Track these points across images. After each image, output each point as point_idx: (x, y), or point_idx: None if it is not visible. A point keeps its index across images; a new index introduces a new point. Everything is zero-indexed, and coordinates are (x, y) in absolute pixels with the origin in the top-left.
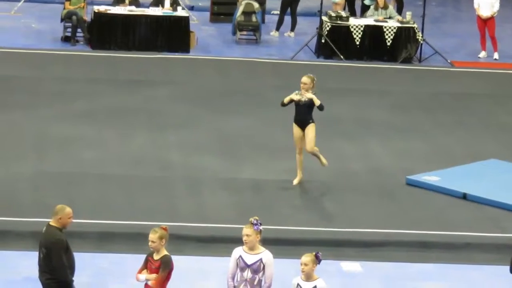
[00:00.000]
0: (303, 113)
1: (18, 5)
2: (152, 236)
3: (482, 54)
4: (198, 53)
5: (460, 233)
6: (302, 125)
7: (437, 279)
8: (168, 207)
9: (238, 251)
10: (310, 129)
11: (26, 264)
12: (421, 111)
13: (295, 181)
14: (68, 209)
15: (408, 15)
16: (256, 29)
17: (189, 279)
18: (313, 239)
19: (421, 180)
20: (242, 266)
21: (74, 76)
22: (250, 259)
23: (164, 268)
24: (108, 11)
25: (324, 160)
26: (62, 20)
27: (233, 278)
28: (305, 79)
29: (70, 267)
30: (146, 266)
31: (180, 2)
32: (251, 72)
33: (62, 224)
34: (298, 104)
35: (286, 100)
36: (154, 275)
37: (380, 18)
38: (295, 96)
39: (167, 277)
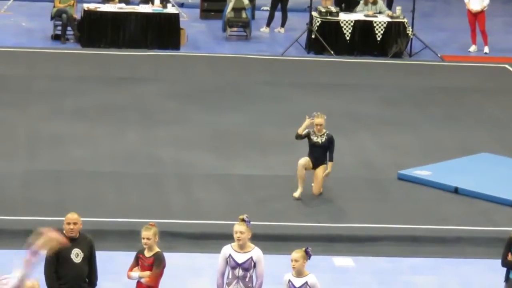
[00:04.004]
0: (319, 154)
1: (8, 4)
2: (147, 233)
3: (473, 48)
4: (188, 50)
5: (452, 227)
6: (315, 164)
7: (429, 273)
8: (159, 204)
9: (227, 249)
10: (321, 170)
11: (17, 262)
12: (412, 105)
13: (296, 194)
14: (68, 215)
15: (398, 9)
16: (246, 25)
17: (180, 276)
18: (305, 234)
19: (413, 175)
20: (233, 265)
21: (64, 74)
22: (240, 258)
23: (159, 265)
24: (98, 9)
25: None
26: (52, 18)
27: (222, 276)
28: (320, 120)
29: (60, 277)
30: (137, 263)
31: None
32: (242, 68)
33: (64, 230)
34: (314, 145)
35: (301, 131)
36: (148, 272)
37: (370, 13)
38: (312, 136)
39: (160, 274)
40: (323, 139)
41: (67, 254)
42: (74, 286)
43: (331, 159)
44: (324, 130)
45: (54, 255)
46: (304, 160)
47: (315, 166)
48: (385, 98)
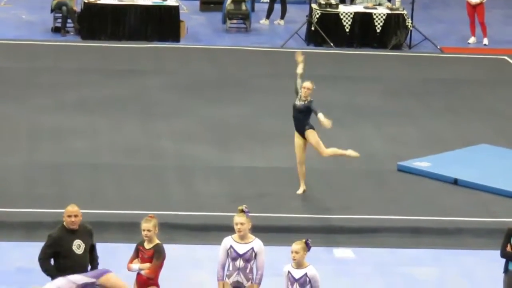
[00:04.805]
0: (299, 119)
1: None
2: (147, 225)
3: (472, 40)
4: (188, 42)
5: (452, 218)
6: (298, 129)
7: (430, 264)
8: (160, 196)
9: (228, 240)
10: (310, 136)
11: (18, 255)
12: (411, 97)
13: (299, 191)
14: (68, 208)
15: (398, 1)
16: (246, 17)
17: (181, 267)
18: (306, 226)
19: (412, 166)
20: (234, 256)
21: (64, 67)
22: (241, 248)
23: (159, 257)
24: (98, 1)
25: (352, 153)
26: (52, 11)
27: (223, 268)
28: (308, 84)
29: (64, 269)
30: (137, 255)
31: None
32: (242, 60)
33: (65, 223)
34: (294, 108)
35: (299, 69)
36: (148, 264)
37: (370, 5)
38: (296, 100)
39: (160, 266)
40: (303, 104)
41: (69, 246)
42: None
43: (317, 113)
44: (309, 98)
45: (52, 244)
46: (297, 146)
47: (300, 133)
48: (384, 90)
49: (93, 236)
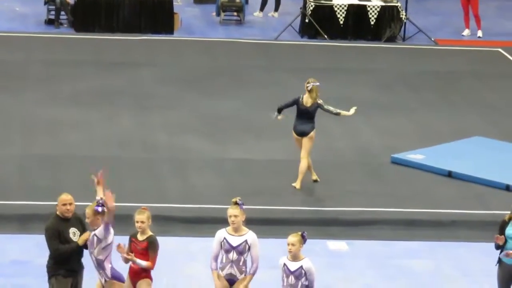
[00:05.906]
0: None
1: None
2: (141, 217)
3: (466, 32)
4: (182, 34)
5: (446, 211)
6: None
7: (423, 257)
8: (154, 188)
9: (222, 233)
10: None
11: (13, 247)
12: (405, 89)
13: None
14: (62, 196)
15: None
16: (239, 9)
17: (176, 260)
18: (300, 218)
19: (406, 158)
20: (227, 248)
21: (58, 59)
22: (235, 241)
23: (155, 249)
24: None
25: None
26: (45, 3)
27: (215, 260)
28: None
29: (62, 257)
30: (130, 247)
31: None
32: (236, 52)
33: (59, 212)
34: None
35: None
36: (145, 262)
37: None
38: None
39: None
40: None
41: (66, 234)
42: (75, 265)
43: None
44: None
45: (56, 234)
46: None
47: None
48: (378, 82)
49: (84, 223)
